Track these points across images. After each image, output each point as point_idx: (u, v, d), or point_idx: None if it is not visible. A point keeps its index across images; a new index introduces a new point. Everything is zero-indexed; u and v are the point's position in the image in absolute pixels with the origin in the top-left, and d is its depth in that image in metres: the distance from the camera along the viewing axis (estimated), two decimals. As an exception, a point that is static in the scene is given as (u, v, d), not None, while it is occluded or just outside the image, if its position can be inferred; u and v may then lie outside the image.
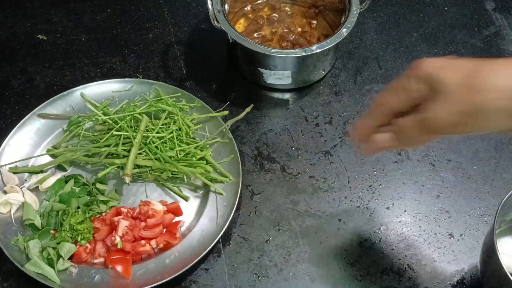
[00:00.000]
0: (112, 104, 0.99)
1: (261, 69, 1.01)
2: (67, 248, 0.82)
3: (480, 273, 0.81)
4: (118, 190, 0.92)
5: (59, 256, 0.82)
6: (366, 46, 1.15)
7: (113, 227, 0.86)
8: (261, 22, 1.11)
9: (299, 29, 1.11)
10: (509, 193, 0.77)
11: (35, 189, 0.91)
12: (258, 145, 1.00)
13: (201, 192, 0.93)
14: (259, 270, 0.87)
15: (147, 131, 0.93)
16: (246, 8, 1.14)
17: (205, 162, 0.93)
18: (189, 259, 0.83)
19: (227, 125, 0.96)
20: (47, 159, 0.94)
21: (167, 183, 0.93)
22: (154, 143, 0.92)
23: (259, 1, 1.15)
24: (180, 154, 0.92)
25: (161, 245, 0.86)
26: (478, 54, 1.14)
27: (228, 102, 1.03)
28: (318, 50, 0.95)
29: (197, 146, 0.94)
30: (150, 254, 0.85)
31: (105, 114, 0.95)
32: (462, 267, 0.88)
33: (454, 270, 0.88)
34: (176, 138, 0.93)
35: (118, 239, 0.84)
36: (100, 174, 0.91)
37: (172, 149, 0.92)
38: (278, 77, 1.02)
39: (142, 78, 1.03)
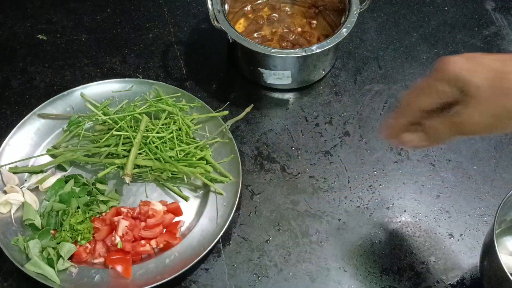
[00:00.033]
0: (112, 104, 0.99)
1: (261, 69, 1.01)
2: (67, 248, 0.82)
3: (480, 273, 0.81)
4: (118, 190, 0.92)
5: (59, 256, 0.82)
6: (366, 46, 1.15)
7: (113, 227, 0.86)
8: (261, 22, 1.11)
9: (299, 29, 1.11)
10: (509, 193, 0.77)
11: (35, 189, 0.91)
12: (258, 145, 1.00)
13: (201, 192, 0.93)
14: (259, 270, 0.87)
15: (147, 131, 0.93)
16: (246, 8, 1.14)
17: (205, 162, 0.93)
18: (189, 259, 0.83)
19: (227, 125, 0.96)
20: (47, 159, 0.94)
21: (167, 183, 0.93)
22: (154, 143, 0.92)
23: (259, 1, 1.15)
24: (180, 154, 0.92)
25: (161, 245, 0.86)
26: (478, 54, 1.14)
27: (228, 102, 1.03)
28: (318, 50, 0.95)
29: (197, 146, 0.94)
30: (150, 254, 0.85)
31: (105, 114, 0.95)
32: (462, 267, 0.88)
33: (454, 270, 0.88)
34: (176, 138, 0.93)
35: (118, 239, 0.84)
36: (100, 174, 0.91)
37: (172, 149, 0.92)
38: (278, 77, 1.02)
39: (142, 78, 1.03)
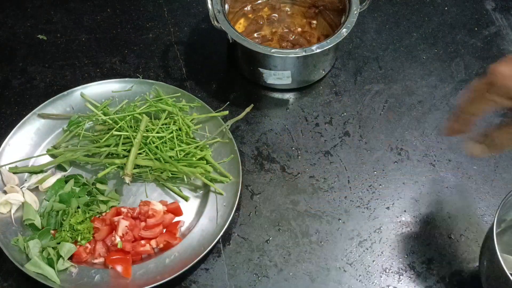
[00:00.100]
0: (112, 104, 0.99)
1: (261, 69, 1.01)
2: (67, 248, 0.82)
3: (480, 273, 0.81)
4: (118, 190, 0.92)
5: (59, 256, 0.82)
6: (366, 46, 1.15)
7: (113, 227, 0.86)
8: (261, 22, 1.11)
9: (299, 29, 1.11)
10: (509, 193, 0.77)
11: (35, 189, 0.91)
12: (258, 145, 1.00)
13: (201, 192, 0.93)
14: (259, 270, 0.87)
15: (147, 131, 0.93)
16: (246, 8, 1.14)
17: (205, 162, 0.93)
18: (189, 259, 0.83)
19: (227, 125, 0.96)
20: (47, 159, 0.94)
21: (167, 183, 0.93)
22: (154, 143, 0.92)
23: (259, 1, 1.15)
24: (180, 154, 0.92)
25: (161, 245, 0.86)
26: (478, 54, 1.14)
27: (228, 102, 1.03)
28: (318, 50, 0.95)
29: (197, 146, 0.94)
30: (150, 254, 0.86)
31: (105, 114, 0.95)
32: (462, 267, 0.88)
33: (454, 270, 0.88)
34: (176, 138, 0.93)
35: (118, 239, 0.84)
36: (100, 174, 0.91)
37: (172, 149, 0.92)
38: (278, 77, 1.02)
39: (142, 78, 1.03)
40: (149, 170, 0.91)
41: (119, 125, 0.93)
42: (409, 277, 0.87)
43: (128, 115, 0.94)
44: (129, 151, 0.91)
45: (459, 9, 1.22)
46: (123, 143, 0.92)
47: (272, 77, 1.02)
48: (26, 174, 0.92)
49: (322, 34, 1.11)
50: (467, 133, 0.64)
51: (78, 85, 1.01)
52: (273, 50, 0.96)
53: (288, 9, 1.15)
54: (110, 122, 0.93)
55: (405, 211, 0.94)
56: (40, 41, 1.13)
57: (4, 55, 1.10)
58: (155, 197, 0.92)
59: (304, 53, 0.95)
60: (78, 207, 0.88)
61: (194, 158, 0.92)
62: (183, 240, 0.86)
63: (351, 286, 0.86)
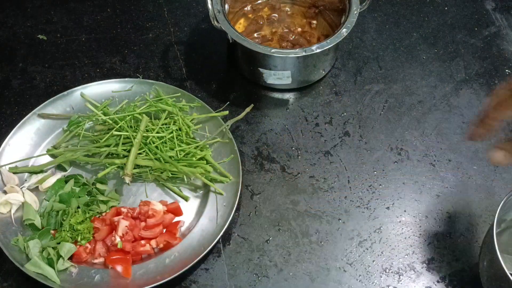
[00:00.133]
0: (112, 104, 0.99)
1: (261, 69, 1.01)
2: (67, 248, 0.82)
3: (480, 273, 0.81)
4: (118, 190, 0.92)
5: (59, 256, 0.82)
6: (366, 46, 1.15)
7: (113, 227, 0.86)
8: (261, 22, 1.11)
9: (299, 29, 1.11)
10: (509, 193, 0.77)
11: (35, 189, 0.91)
12: (258, 145, 1.00)
13: (201, 192, 0.93)
14: (259, 270, 0.87)
15: (147, 131, 0.93)
16: (246, 8, 1.14)
17: (205, 162, 0.93)
18: (189, 259, 0.83)
19: (227, 125, 0.96)
20: (47, 159, 0.94)
21: (167, 183, 0.93)
22: (154, 143, 0.92)
23: (259, 1, 1.15)
24: (180, 154, 0.92)
25: (161, 245, 0.86)
26: (478, 54, 1.14)
27: (228, 102, 1.03)
28: (318, 50, 0.95)
29: (197, 146, 0.94)
30: (150, 254, 0.85)
31: (105, 114, 0.95)
32: (462, 267, 0.88)
33: (454, 270, 0.88)
34: (176, 138, 0.93)
35: (118, 239, 0.84)
36: (100, 174, 0.91)
37: (172, 149, 0.92)
38: (278, 77, 1.02)
39: (142, 78, 1.03)
40: (149, 170, 0.91)
41: (119, 125, 0.93)
42: (409, 277, 0.87)
43: (128, 115, 0.94)
44: (129, 151, 0.91)
45: (459, 9, 1.22)
46: (123, 143, 0.92)
47: (272, 77, 1.02)
48: (26, 174, 0.92)
49: (322, 34, 1.11)
50: (490, 139, 0.63)
51: (78, 85, 1.01)
52: (273, 50, 0.96)
53: (288, 9, 1.15)
54: (110, 122, 0.93)
55: (405, 211, 0.94)
56: (40, 41, 1.13)
57: (4, 55, 1.10)
58: (155, 197, 0.92)
59: (304, 53, 0.95)
60: (78, 207, 0.88)
61: (194, 158, 0.92)
62: (183, 240, 0.86)
63: (351, 286, 0.86)
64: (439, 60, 1.13)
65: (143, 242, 0.85)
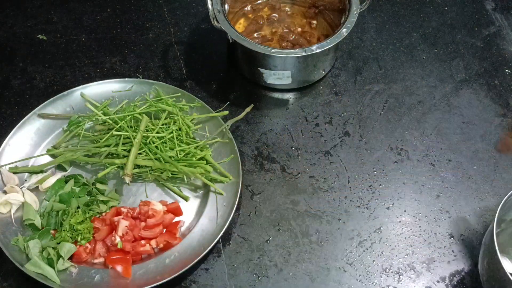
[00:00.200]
0: (112, 104, 0.99)
1: (261, 69, 1.01)
2: (67, 248, 0.82)
3: (480, 273, 0.81)
4: (118, 190, 0.92)
5: (59, 256, 0.82)
6: (366, 46, 1.15)
7: (113, 227, 0.86)
8: (261, 22, 1.11)
9: (299, 29, 1.11)
10: (509, 193, 0.77)
11: (35, 189, 0.91)
12: (258, 145, 1.00)
13: (201, 192, 0.93)
14: (259, 270, 0.87)
15: (147, 131, 0.93)
16: (246, 8, 1.14)
17: (205, 162, 0.93)
18: (189, 259, 0.83)
19: (227, 125, 0.96)
20: (47, 159, 0.94)
21: (167, 183, 0.93)
22: (154, 143, 0.92)
23: (259, 1, 1.15)
24: (180, 154, 0.92)
25: (161, 245, 0.86)
26: (478, 54, 1.14)
27: (228, 102, 1.03)
28: (318, 50, 0.95)
29: (197, 146, 0.94)
30: (150, 254, 0.85)
31: (105, 114, 0.95)
32: (462, 267, 0.88)
33: (454, 270, 0.88)
34: (176, 138, 0.93)
35: (118, 239, 0.84)
36: (100, 174, 0.91)
37: (172, 149, 0.92)
38: (278, 77, 1.02)
39: (142, 78, 1.03)
40: (149, 170, 0.91)
41: (119, 125, 0.93)
42: (409, 277, 0.87)
43: (128, 115, 0.94)
44: (129, 151, 0.91)
45: (459, 9, 1.22)
46: (123, 143, 0.92)
47: (272, 77, 1.02)
48: (26, 174, 0.92)
49: (322, 34, 1.11)
50: None
51: (78, 85, 1.01)
52: (273, 50, 0.96)
53: (288, 9, 1.15)
54: (110, 122, 0.93)
55: (405, 211, 0.94)
56: (40, 41, 1.13)
57: (4, 55, 1.10)
58: (155, 197, 0.92)
59: (304, 53, 0.95)
60: (78, 207, 0.88)
61: (194, 158, 0.92)
62: (183, 240, 0.86)
63: (351, 286, 0.86)
64: (439, 60, 1.13)
65: (143, 242, 0.85)
